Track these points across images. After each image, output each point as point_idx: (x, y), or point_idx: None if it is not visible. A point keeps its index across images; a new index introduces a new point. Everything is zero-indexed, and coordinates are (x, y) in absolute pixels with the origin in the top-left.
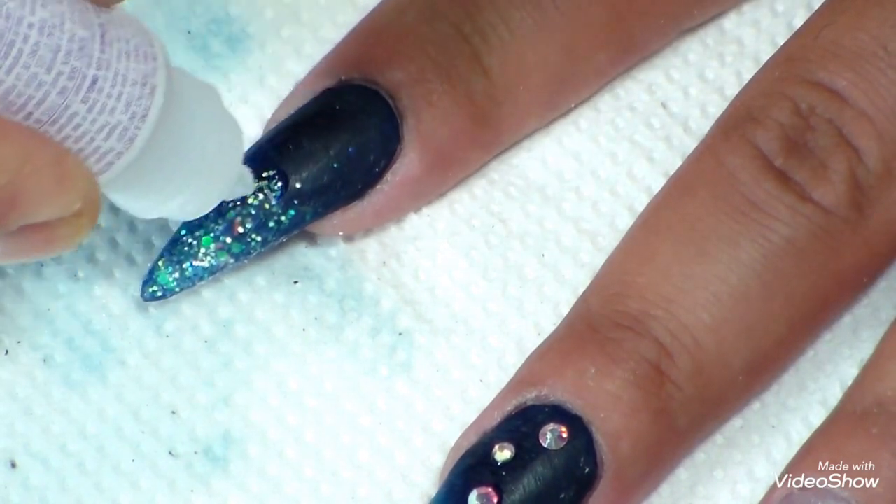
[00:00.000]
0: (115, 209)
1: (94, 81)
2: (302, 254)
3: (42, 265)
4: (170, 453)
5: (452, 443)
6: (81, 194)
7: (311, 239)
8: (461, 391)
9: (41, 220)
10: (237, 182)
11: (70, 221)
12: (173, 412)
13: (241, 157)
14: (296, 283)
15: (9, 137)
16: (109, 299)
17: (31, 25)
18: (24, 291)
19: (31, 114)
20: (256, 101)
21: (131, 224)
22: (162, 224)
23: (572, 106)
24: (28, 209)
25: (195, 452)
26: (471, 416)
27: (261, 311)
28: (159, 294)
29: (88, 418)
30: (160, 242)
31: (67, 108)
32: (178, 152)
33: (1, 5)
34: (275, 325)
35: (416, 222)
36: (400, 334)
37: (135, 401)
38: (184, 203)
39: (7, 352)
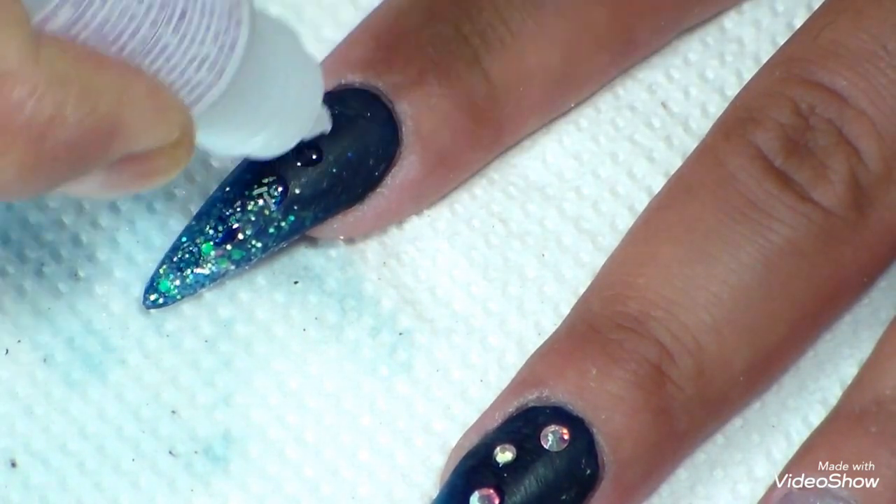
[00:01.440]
0: (114, 207)
1: (184, 13)
2: (302, 253)
3: (42, 264)
4: (170, 453)
5: (453, 443)
6: (178, 123)
7: (312, 239)
8: (461, 391)
9: (141, 150)
10: (316, 121)
11: (168, 152)
12: (173, 412)
13: (321, 95)
14: (296, 282)
15: (106, 69)
16: (110, 299)
17: None
18: (24, 291)
19: (124, 46)
20: None
21: (131, 223)
22: (162, 222)
23: (572, 105)
24: (129, 138)
25: (195, 452)
26: (471, 416)
27: (261, 310)
28: (161, 302)
29: (88, 418)
30: (160, 241)
31: (159, 39)
32: (262, 88)
33: None
34: (275, 324)
35: (416, 222)
36: (400, 334)
37: (135, 400)
38: (266, 141)
39: (7, 351)
